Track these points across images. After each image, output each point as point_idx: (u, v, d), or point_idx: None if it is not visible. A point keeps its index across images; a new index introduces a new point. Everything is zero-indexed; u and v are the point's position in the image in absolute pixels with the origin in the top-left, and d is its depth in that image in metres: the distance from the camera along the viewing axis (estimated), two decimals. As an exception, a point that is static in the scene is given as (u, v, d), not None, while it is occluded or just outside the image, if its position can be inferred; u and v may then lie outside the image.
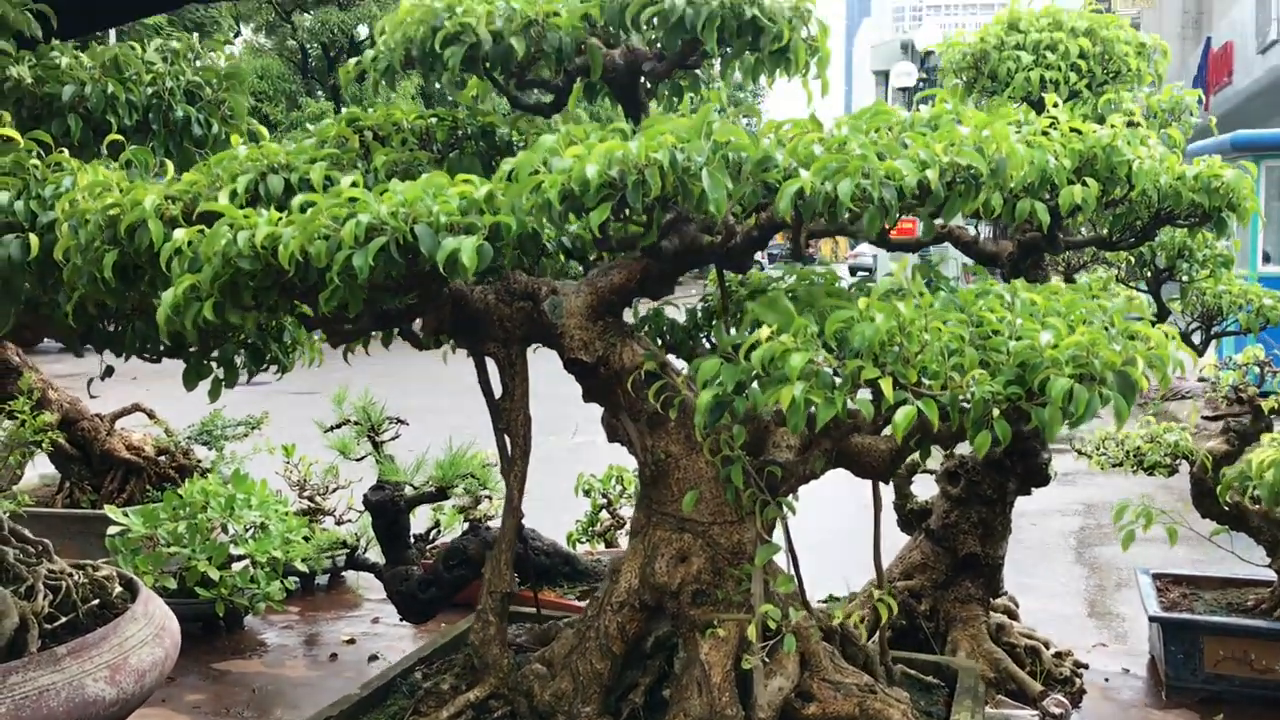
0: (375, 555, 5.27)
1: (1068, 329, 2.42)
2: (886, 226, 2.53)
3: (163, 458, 5.80)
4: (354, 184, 2.44)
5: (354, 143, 2.98)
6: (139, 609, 3.67)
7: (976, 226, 4.38)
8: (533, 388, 3.02)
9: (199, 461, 5.91)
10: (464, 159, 3.11)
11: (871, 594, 3.49)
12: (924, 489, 4.95)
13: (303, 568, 5.00)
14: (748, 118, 2.74)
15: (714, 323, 3.40)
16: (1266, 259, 12.75)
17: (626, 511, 5.54)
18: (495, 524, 4.93)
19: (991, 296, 2.66)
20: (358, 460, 5.41)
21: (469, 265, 2.25)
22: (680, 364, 3.20)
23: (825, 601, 5.00)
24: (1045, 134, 3.16)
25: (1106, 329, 2.50)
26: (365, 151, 3.02)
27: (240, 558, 4.81)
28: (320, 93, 28.15)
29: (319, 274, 2.35)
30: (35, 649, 3.32)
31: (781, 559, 2.89)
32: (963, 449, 3.52)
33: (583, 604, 4.43)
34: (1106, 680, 4.82)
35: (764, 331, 2.31)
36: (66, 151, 3.23)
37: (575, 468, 5.80)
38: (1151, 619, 4.71)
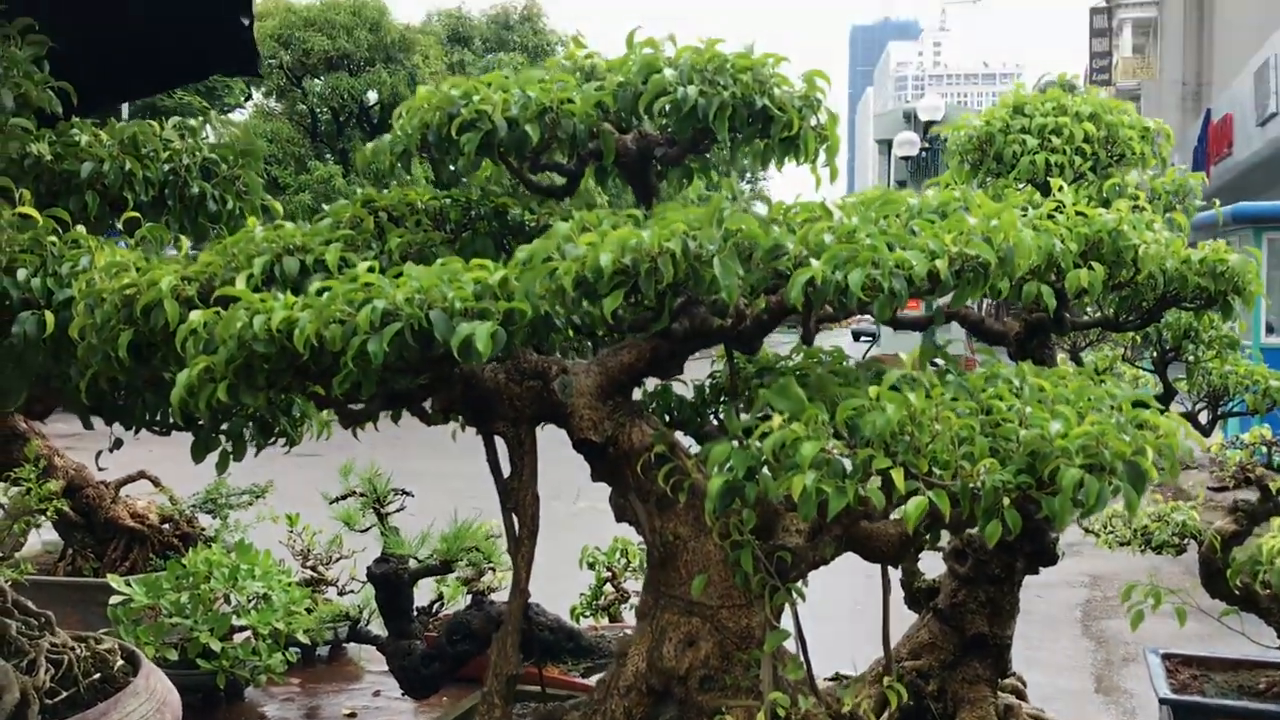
0: (378, 627, 5.24)
1: (1077, 417, 2.43)
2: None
3: (166, 526, 5.79)
4: (370, 268, 2.47)
5: (369, 223, 3.02)
6: (140, 683, 3.64)
7: (982, 304, 4.41)
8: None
9: (203, 530, 5.89)
10: (477, 239, 3.15)
11: (880, 676, 3.46)
12: (932, 565, 4.92)
13: (305, 639, 4.98)
14: (759, 202, 2.77)
15: (722, 400, 3.41)
16: (1270, 330, 12.79)
17: (631, 585, 5.50)
18: (498, 597, 4.90)
19: (1000, 382, 2.68)
20: (362, 532, 5.39)
21: (483, 351, 2.28)
22: (688, 441, 3.20)
23: (832, 680, 4.94)
24: (1051, 217, 3.19)
25: (1115, 417, 2.51)
26: (379, 232, 3.05)
27: (242, 628, 4.79)
28: (329, 156, 28.49)
29: (333, 357, 2.37)
30: (36, 725, 3.29)
31: (790, 643, 2.87)
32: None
33: (587, 681, 4.39)
34: (1117, 762, 4.76)
35: (776, 420, 2.32)
36: (83, 227, 3.27)
37: (577, 535, 5.77)
38: (1162, 701, 4.65)
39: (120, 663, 3.87)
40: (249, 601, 4.77)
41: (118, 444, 4.51)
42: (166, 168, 3.66)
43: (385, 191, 3.16)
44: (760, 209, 2.79)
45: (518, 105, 2.85)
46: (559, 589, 5.57)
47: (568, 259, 2.39)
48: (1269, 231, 12.72)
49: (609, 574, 5.48)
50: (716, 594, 2.84)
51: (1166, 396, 4.53)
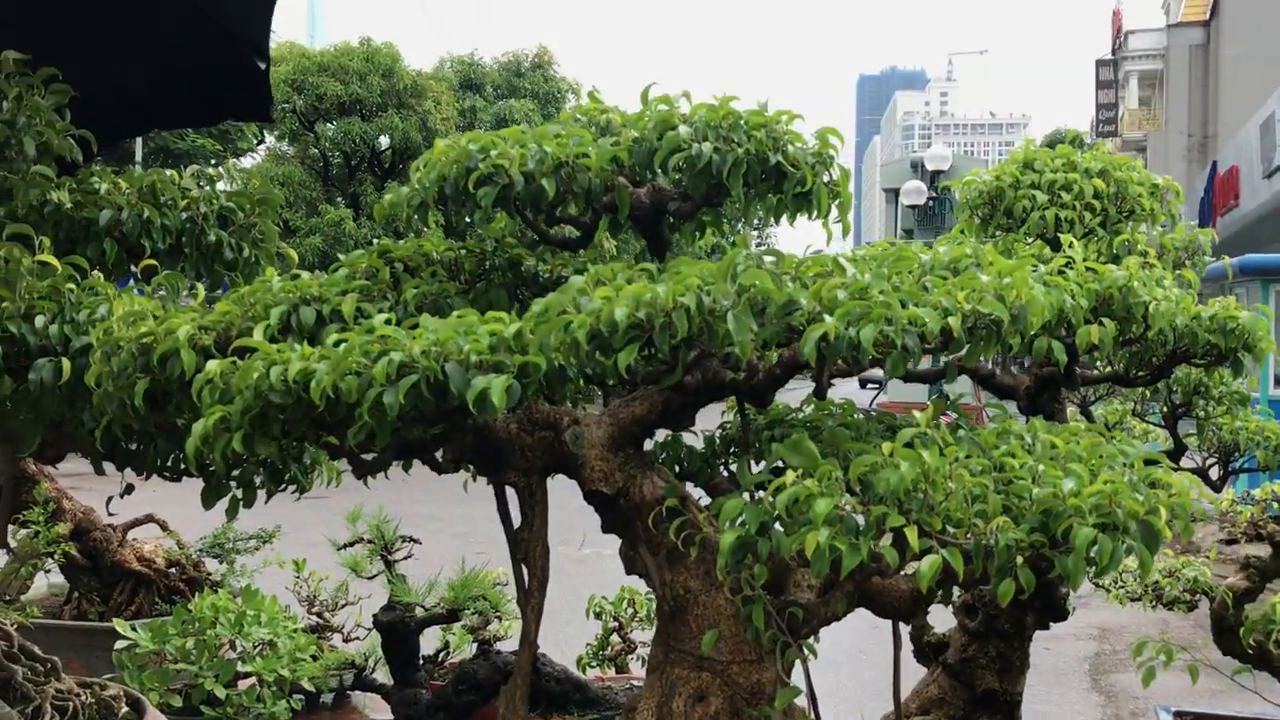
0: (383, 675, 5.20)
1: (1089, 475, 2.43)
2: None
3: (173, 570, 5.77)
4: (386, 319, 2.49)
5: (384, 274, 3.04)
6: (145, 731, 3.62)
7: (991, 359, 4.41)
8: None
9: (209, 574, 5.87)
10: (491, 290, 3.17)
11: (890, 732, 3.43)
12: (941, 619, 4.89)
13: (309, 686, 4.94)
14: (772, 258, 2.79)
15: (732, 451, 3.41)
16: (1278, 382, 12.78)
17: (638, 635, 5.47)
18: (505, 645, 4.87)
19: (1012, 439, 2.68)
20: (369, 579, 5.37)
21: (498, 404, 2.29)
22: (697, 492, 3.20)
23: (840, 734, 4.90)
24: (1061, 272, 3.21)
25: (1128, 475, 2.51)
26: (395, 282, 3.08)
27: (247, 675, 4.76)
28: (340, 200, 28.68)
29: (349, 408, 2.39)
30: (40, 774, 3.27)
31: (801, 699, 2.86)
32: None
33: (594, 733, 4.35)
34: (1129, 822, 4.70)
35: (789, 475, 2.33)
36: (100, 274, 3.30)
37: (582, 581, 5.74)
38: (1174, 759, 4.60)
39: (125, 710, 3.84)
40: (254, 648, 4.74)
41: (129, 489, 4.51)
42: (184, 215, 3.71)
43: (401, 242, 3.19)
44: (769, 261, 2.81)
45: (534, 160, 2.88)
46: (563, 636, 5.53)
47: (583, 313, 2.41)
48: (1276, 284, 12.75)
49: (616, 624, 5.45)
50: (727, 649, 2.82)
51: (1177, 452, 4.52)
